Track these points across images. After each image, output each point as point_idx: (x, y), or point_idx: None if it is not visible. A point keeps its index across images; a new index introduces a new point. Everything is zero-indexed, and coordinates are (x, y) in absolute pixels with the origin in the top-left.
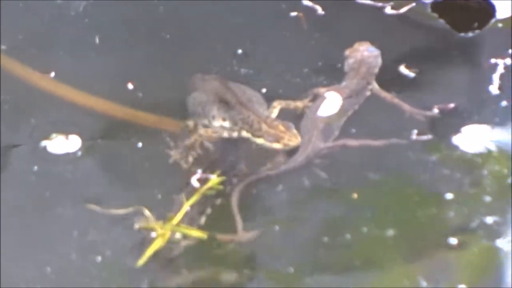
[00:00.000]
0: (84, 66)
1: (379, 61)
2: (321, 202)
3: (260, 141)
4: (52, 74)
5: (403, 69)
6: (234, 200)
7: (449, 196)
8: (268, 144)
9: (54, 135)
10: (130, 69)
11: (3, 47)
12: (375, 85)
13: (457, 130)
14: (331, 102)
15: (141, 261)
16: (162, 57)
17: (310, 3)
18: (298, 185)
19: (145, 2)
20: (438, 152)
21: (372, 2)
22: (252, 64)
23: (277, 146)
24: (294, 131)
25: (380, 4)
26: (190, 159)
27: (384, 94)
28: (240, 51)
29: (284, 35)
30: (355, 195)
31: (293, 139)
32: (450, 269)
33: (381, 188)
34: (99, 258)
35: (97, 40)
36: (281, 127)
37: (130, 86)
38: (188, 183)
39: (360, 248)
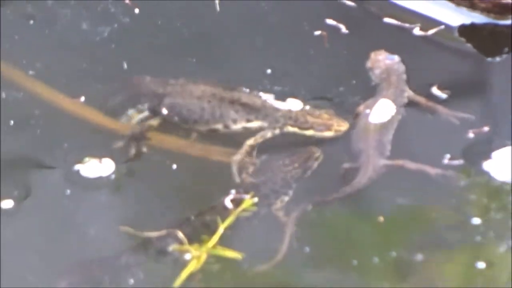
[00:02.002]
0: (114, 92)
1: (403, 66)
2: (348, 225)
3: (309, 132)
4: (82, 98)
5: (435, 90)
6: (291, 223)
7: (476, 221)
8: (319, 134)
9: (87, 159)
10: None
11: (31, 72)
12: (409, 92)
13: (487, 156)
14: (377, 116)
15: (177, 284)
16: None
17: (333, 22)
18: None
19: (168, 26)
20: (467, 177)
21: (399, 23)
22: (283, 82)
23: (328, 134)
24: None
25: (407, 25)
26: (250, 169)
27: (419, 98)
28: (269, 70)
29: (309, 53)
30: (381, 219)
31: (342, 124)
32: None
33: (408, 212)
34: (131, 281)
35: (125, 66)
36: (326, 115)
37: (165, 111)
38: (222, 204)
39: (389, 272)
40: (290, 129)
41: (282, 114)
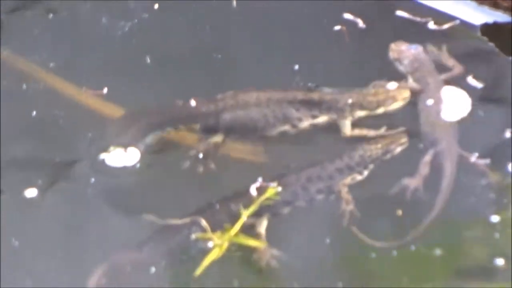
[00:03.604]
0: (137, 86)
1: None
2: (368, 217)
3: (380, 110)
4: (105, 90)
5: (471, 79)
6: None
7: (495, 218)
8: (390, 108)
9: (112, 148)
10: (186, 88)
11: (51, 64)
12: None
13: None
14: (454, 106)
15: (198, 271)
16: (217, 77)
17: (351, 17)
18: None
19: (188, 22)
20: (490, 176)
21: (411, 17)
22: (315, 79)
23: (398, 105)
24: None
25: (418, 19)
26: None
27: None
28: (297, 66)
29: (331, 48)
30: (399, 212)
31: (403, 91)
32: None
33: (427, 207)
34: (153, 269)
35: (148, 60)
36: (382, 90)
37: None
38: (247, 192)
39: (407, 266)
40: (361, 114)
41: (344, 103)
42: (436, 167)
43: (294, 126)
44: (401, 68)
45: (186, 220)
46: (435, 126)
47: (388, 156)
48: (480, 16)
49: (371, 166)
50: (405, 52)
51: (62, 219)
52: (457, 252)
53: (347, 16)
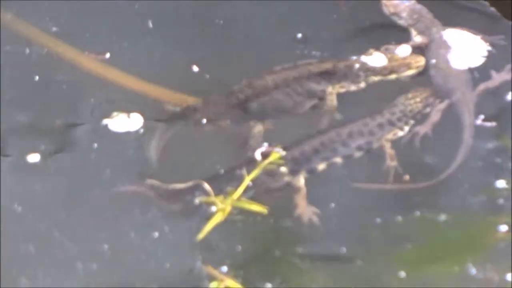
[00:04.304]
0: (141, 50)
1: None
2: (373, 181)
3: (392, 76)
4: (107, 55)
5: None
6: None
7: (500, 183)
8: (403, 75)
9: (115, 113)
10: (188, 53)
11: (54, 29)
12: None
13: None
14: (464, 52)
15: (201, 236)
16: (218, 43)
17: None
18: (353, 168)
19: None
20: (496, 140)
21: None
22: (319, 47)
23: (411, 72)
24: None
25: None
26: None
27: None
28: (300, 35)
29: (332, 17)
30: (407, 177)
31: (418, 59)
32: (500, 257)
33: (433, 171)
34: (156, 234)
35: (150, 25)
36: (397, 56)
37: (195, 68)
38: (251, 157)
39: (412, 231)
40: (375, 79)
41: (359, 68)
42: (452, 118)
43: (321, 98)
44: (401, 22)
45: (189, 184)
46: (446, 76)
47: (428, 109)
48: None
49: (411, 122)
50: (399, 5)
51: (65, 185)
52: (462, 218)
53: None
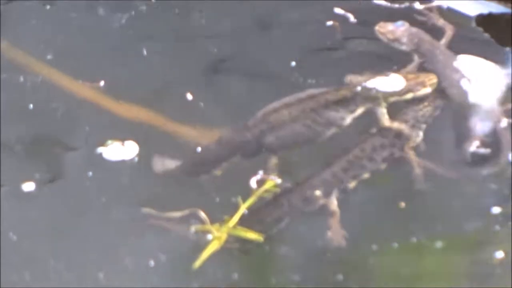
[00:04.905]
0: (135, 78)
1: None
2: (370, 209)
3: (409, 96)
4: (102, 83)
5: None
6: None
7: (496, 210)
8: (418, 93)
9: (110, 141)
10: (182, 81)
11: (48, 57)
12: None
13: None
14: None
15: (197, 264)
16: (213, 71)
17: (342, 12)
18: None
19: (184, 14)
20: (491, 166)
21: (388, 4)
22: (313, 74)
23: (426, 90)
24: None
25: (397, 5)
26: None
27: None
28: (293, 63)
29: (325, 44)
30: (402, 204)
31: (430, 76)
32: (496, 283)
33: (429, 198)
34: (151, 262)
35: (144, 52)
36: (411, 76)
37: (190, 96)
38: (246, 185)
39: (408, 258)
40: (393, 99)
41: (377, 91)
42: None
43: (340, 126)
44: (404, 48)
45: (185, 212)
46: (465, 95)
47: (438, 112)
48: (476, 7)
49: (424, 126)
50: (396, 31)
51: (60, 213)
52: (458, 244)
53: (338, 10)
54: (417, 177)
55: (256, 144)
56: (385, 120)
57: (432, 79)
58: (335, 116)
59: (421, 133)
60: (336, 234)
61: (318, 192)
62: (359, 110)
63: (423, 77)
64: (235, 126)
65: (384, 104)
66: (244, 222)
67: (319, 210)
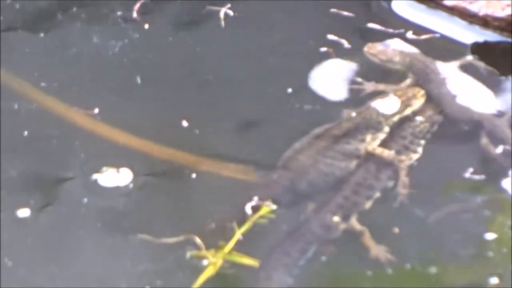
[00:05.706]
0: (129, 105)
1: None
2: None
3: (408, 111)
4: (96, 110)
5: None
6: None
7: (490, 236)
8: (414, 107)
9: (105, 168)
10: (176, 109)
11: (43, 84)
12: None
13: (507, 174)
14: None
15: None
16: (208, 99)
17: (335, 38)
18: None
19: (179, 43)
20: (485, 193)
21: (382, 28)
22: (310, 101)
23: (420, 102)
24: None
25: (397, 31)
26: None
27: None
28: (290, 90)
29: (319, 71)
30: (396, 230)
31: (416, 88)
32: None
33: (422, 224)
34: None
35: (138, 80)
36: (399, 92)
37: (185, 123)
38: (241, 211)
39: (402, 284)
40: (395, 119)
41: (377, 113)
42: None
43: (358, 156)
44: (397, 67)
45: (180, 238)
46: (464, 110)
47: (436, 127)
48: (471, 35)
49: (422, 142)
50: (386, 51)
51: (55, 239)
52: (452, 270)
53: (331, 37)
54: (400, 197)
55: (291, 194)
56: (369, 145)
57: (419, 91)
58: (350, 149)
59: (420, 149)
60: (378, 251)
61: (336, 218)
62: (368, 138)
63: (411, 91)
64: (261, 179)
65: (386, 127)
66: (240, 247)
67: (343, 235)
